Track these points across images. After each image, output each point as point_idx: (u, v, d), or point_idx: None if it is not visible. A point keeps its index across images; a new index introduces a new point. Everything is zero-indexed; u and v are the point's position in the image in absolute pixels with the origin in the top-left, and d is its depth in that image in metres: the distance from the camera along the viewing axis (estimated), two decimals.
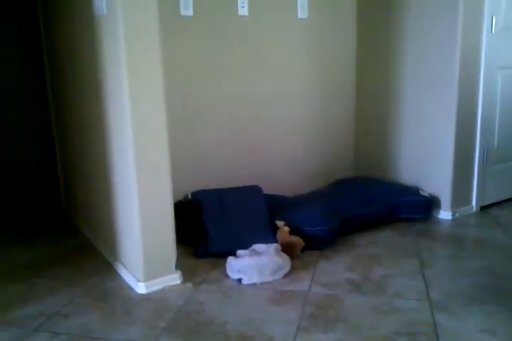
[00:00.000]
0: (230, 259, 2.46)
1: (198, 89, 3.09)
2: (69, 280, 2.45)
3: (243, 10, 3.14)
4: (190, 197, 2.92)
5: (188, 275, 2.45)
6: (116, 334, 1.95)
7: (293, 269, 2.49)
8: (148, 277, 2.30)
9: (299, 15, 3.38)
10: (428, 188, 3.31)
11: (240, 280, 2.38)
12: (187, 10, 2.95)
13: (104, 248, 2.74)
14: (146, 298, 2.26)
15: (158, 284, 2.32)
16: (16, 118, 3.44)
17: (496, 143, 3.37)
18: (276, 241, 2.65)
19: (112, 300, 2.24)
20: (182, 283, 2.38)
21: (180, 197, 2.95)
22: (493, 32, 3.14)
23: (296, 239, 2.69)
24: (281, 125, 3.46)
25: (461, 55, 3.03)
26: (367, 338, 1.90)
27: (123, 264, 2.48)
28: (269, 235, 2.71)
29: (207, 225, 2.74)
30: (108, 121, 2.37)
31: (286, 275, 2.44)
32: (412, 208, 3.17)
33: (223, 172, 3.23)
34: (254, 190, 2.97)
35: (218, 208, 2.82)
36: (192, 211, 2.87)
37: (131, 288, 2.35)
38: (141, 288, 2.30)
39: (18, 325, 2.03)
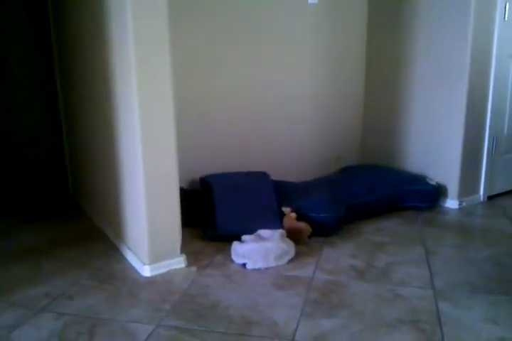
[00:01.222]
0: (235, 244, 2.46)
1: (207, 77, 3.07)
2: (75, 262, 2.47)
3: None
4: (202, 179, 2.97)
5: (192, 259, 2.47)
6: (120, 316, 1.97)
7: (298, 255, 2.50)
8: (153, 260, 2.31)
9: (309, 0, 3.33)
10: (435, 177, 3.29)
11: (244, 265, 2.39)
12: None
13: (111, 231, 2.76)
14: (151, 280, 2.27)
15: (163, 267, 2.34)
16: (24, 102, 3.43)
17: (505, 133, 3.34)
18: (282, 227, 2.66)
19: (117, 283, 2.25)
20: (187, 266, 2.40)
21: (191, 181, 2.97)
22: (506, 19, 3.09)
23: (303, 225, 2.69)
24: (289, 112, 3.44)
25: (472, 43, 2.99)
26: (370, 325, 1.90)
27: (129, 247, 2.50)
28: (277, 220, 2.72)
29: (217, 208, 2.76)
30: (115, 106, 2.36)
31: (291, 260, 2.45)
32: (419, 196, 3.16)
33: (233, 158, 3.23)
34: (263, 175, 2.98)
35: (229, 191, 2.84)
36: (201, 195, 2.89)
37: (136, 271, 2.36)
38: (146, 271, 2.31)
39: (24, 305, 2.06)
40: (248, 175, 3.00)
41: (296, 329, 1.87)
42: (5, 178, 3.46)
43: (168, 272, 2.34)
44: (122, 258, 2.52)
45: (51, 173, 3.61)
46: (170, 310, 2.02)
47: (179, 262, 2.39)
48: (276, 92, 3.35)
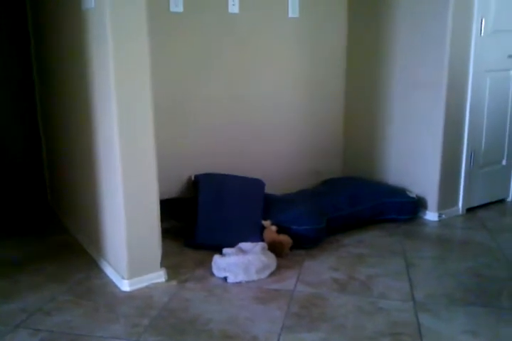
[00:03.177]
0: (216, 257, 2.44)
1: (185, 87, 3.07)
2: (53, 277, 2.43)
3: (234, 8, 3.13)
4: (193, 178, 3.04)
5: (173, 272, 2.44)
6: (98, 332, 1.94)
7: (279, 268, 2.49)
8: (132, 274, 2.28)
9: (290, 14, 3.37)
10: (415, 189, 3.32)
11: (225, 278, 2.38)
12: (177, 6, 2.93)
13: (89, 244, 2.72)
14: (130, 295, 2.24)
15: (142, 282, 2.31)
16: (0, 108, 3.39)
17: (483, 146, 3.39)
18: (262, 240, 2.65)
19: (96, 298, 2.22)
20: (167, 280, 2.37)
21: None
22: (482, 34, 3.15)
23: (284, 238, 2.69)
24: (270, 124, 3.45)
25: (450, 58, 3.04)
26: (351, 338, 1.90)
27: (108, 261, 2.46)
28: (258, 233, 2.71)
29: (200, 216, 2.77)
30: (94, 115, 2.35)
31: (272, 274, 2.44)
32: (399, 209, 3.18)
33: (213, 169, 3.21)
34: (257, 184, 3.00)
35: (216, 195, 2.86)
36: (184, 203, 2.95)
37: (115, 286, 2.33)
38: (125, 286, 2.28)
39: None
40: (243, 181, 3.01)
41: None
42: None
43: (147, 286, 2.31)
44: (101, 272, 2.48)
45: (29, 184, 3.55)
46: (149, 325, 1.99)
47: (159, 276, 2.36)
48: (256, 105, 3.37)
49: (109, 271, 2.43)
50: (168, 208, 2.85)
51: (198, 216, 2.78)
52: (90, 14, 2.20)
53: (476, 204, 3.47)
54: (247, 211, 2.83)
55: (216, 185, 2.93)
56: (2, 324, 1.99)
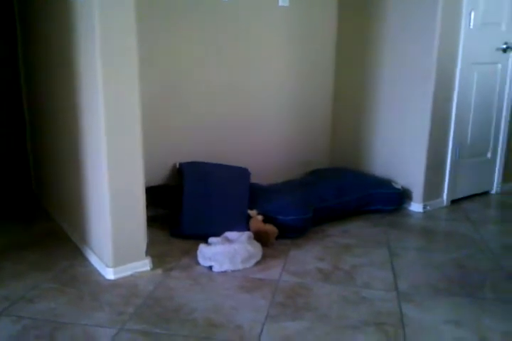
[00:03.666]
0: (202, 247, 2.44)
1: (173, 78, 3.04)
2: (36, 264, 2.41)
3: None
4: (180, 166, 3.00)
5: (158, 261, 2.43)
6: (83, 320, 1.93)
7: (264, 257, 2.50)
8: (117, 263, 2.27)
9: (280, 3, 3.34)
10: (401, 181, 3.34)
11: (210, 267, 2.38)
12: None
13: (74, 232, 2.70)
14: (114, 283, 2.23)
15: (127, 270, 2.30)
16: None
17: (469, 138, 3.41)
18: (248, 230, 2.65)
19: (80, 286, 2.20)
20: (152, 269, 2.36)
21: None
22: (471, 27, 3.16)
23: (270, 227, 2.69)
24: (258, 114, 3.44)
25: (438, 50, 3.04)
26: (335, 327, 1.91)
27: (92, 249, 2.45)
28: (244, 222, 2.71)
29: (185, 206, 2.75)
30: (80, 104, 2.32)
31: (258, 263, 2.44)
32: (385, 200, 3.20)
33: (200, 158, 3.20)
34: (243, 172, 2.99)
35: (200, 183, 2.85)
36: (169, 190, 2.95)
37: (99, 274, 2.32)
38: (109, 274, 2.27)
39: None
40: (228, 169, 3.01)
41: (261, 333, 1.87)
42: None
43: (132, 275, 2.30)
44: (85, 260, 2.47)
45: (13, 171, 3.51)
46: (133, 313, 1.99)
47: (144, 265, 2.35)
48: (245, 95, 3.35)
49: (94, 259, 2.41)
50: (154, 195, 2.84)
51: (183, 206, 2.76)
52: (78, 5, 2.16)
53: (460, 196, 3.50)
54: (232, 200, 2.83)
55: (201, 173, 2.92)
56: None
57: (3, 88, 3.37)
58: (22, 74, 3.38)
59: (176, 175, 3.09)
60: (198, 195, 2.80)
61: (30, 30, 3.04)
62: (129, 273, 2.30)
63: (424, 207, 3.28)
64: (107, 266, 2.28)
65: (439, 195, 3.38)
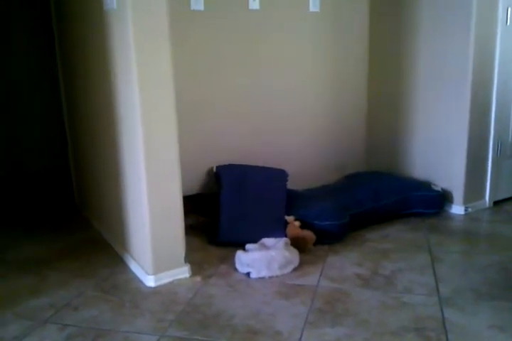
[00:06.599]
0: (239, 253, 2.46)
1: (208, 83, 3.08)
2: (79, 272, 2.48)
3: (254, 3, 3.13)
4: (214, 170, 3.03)
5: (197, 268, 2.46)
6: (124, 327, 1.97)
7: (302, 263, 2.49)
8: (157, 270, 2.31)
9: (311, 8, 3.35)
10: (440, 183, 3.27)
11: (248, 274, 2.39)
12: (197, 4, 2.94)
13: (115, 241, 2.76)
14: (155, 291, 2.27)
15: (167, 277, 2.34)
16: (28, 109, 3.46)
17: (510, 137, 3.32)
18: (286, 236, 2.65)
19: (121, 293, 2.25)
20: (191, 276, 2.39)
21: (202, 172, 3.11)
22: (508, 24, 3.08)
23: (308, 233, 2.68)
24: (293, 120, 3.44)
25: (475, 48, 2.98)
26: (374, 333, 1.89)
27: (133, 257, 2.50)
28: (281, 229, 2.71)
29: (222, 212, 2.77)
30: (119, 114, 2.38)
31: (295, 269, 2.44)
32: (424, 203, 3.14)
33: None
34: (280, 174, 2.98)
35: (238, 189, 2.85)
36: (206, 199, 2.97)
37: (140, 281, 2.36)
38: (150, 281, 2.31)
39: (28, 316, 2.06)
40: (265, 171, 3.01)
41: (300, 339, 1.86)
42: (9, 189, 3.48)
43: (172, 282, 2.34)
44: (126, 268, 2.52)
45: (56, 183, 3.62)
46: (174, 320, 2.02)
47: (183, 272, 2.39)
48: (279, 99, 3.36)
49: (134, 267, 2.46)
50: (192, 203, 2.88)
51: (220, 213, 2.79)
52: (112, 15, 2.22)
53: (503, 197, 3.41)
54: (269, 205, 2.82)
55: (238, 177, 2.91)
56: (31, 319, 2.04)
57: (45, 102, 3.49)
58: (62, 88, 3.49)
59: (213, 180, 3.11)
60: (234, 202, 2.82)
61: (67, 36, 3.14)
62: (168, 280, 2.34)
63: (466, 209, 3.21)
64: (148, 274, 2.32)
65: (481, 196, 3.30)
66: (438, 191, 3.18)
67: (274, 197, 2.87)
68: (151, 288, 2.30)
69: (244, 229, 2.73)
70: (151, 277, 2.31)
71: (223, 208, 2.80)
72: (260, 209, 2.81)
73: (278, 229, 2.70)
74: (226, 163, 3.17)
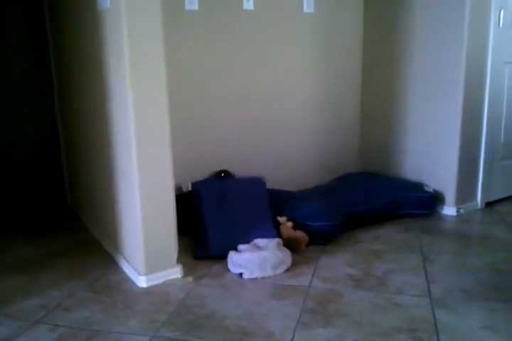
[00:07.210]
0: (232, 254, 2.45)
1: (201, 82, 3.08)
2: (71, 273, 2.46)
3: (248, 4, 3.13)
4: (190, 187, 2.91)
5: (189, 269, 2.46)
6: (116, 328, 1.96)
7: (294, 264, 2.49)
8: (149, 271, 2.30)
9: (305, 9, 3.35)
10: (433, 184, 3.28)
11: (241, 274, 2.38)
12: (192, 4, 2.93)
13: (107, 242, 2.75)
14: (147, 291, 2.26)
15: (159, 278, 2.33)
16: (20, 110, 3.44)
17: (502, 139, 3.34)
18: (278, 236, 2.65)
19: (113, 294, 2.24)
20: (183, 277, 2.39)
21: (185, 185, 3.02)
22: (500, 26, 3.10)
23: (301, 234, 2.69)
24: (286, 120, 3.44)
25: (467, 50, 3.00)
26: (366, 334, 1.89)
27: (125, 258, 2.49)
28: (271, 230, 2.70)
29: (206, 224, 2.68)
30: (112, 114, 2.37)
31: (288, 270, 2.44)
32: (416, 204, 3.15)
33: (228, 166, 3.22)
34: (257, 181, 2.92)
35: (218, 203, 2.76)
36: (192, 203, 2.86)
37: (132, 282, 2.36)
38: (142, 282, 2.30)
39: (19, 317, 2.05)
40: (242, 181, 2.95)
41: (292, 339, 1.86)
42: (0, 189, 3.46)
43: (164, 282, 2.33)
44: (118, 269, 2.51)
45: (48, 183, 3.61)
46: (166, 321, 2.01)
47: (175, 272, 2.38)
48: (273, 101, 3.36)
49: (127, 268, 2.45)
50: (184, 203, 2.85)
51: (205, 230, 2.66)
52: (106, 14, 2.22)
53: (494, 198, 3.43)
54: (254, 209, 2.77)
55: (216, 193, 2.78)
56: (22, 319, 2.03)
57: (37, 103, 3.47)
58: (55, 89, 3.47)
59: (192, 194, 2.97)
60: (217, 217, 2.70)
61: (60, 35, 3.13)
62: (160, 280, 2.33)
63: (458, 211, 3.22)
64: (140, 274, 2.31)
65: (473, 197, 3.31)
66: (430, 192, 3.20)
67: (257, 202, 2.80)
68: (143, 288, 2.29)
69: (232, 240, 2.60)
70: (143, 278, 2.30)
71: (208, 225, 2.67)
72: (245, 216, 2.72)
73: (267, 232, 2.66)
74: (219, 164, 3.17)
